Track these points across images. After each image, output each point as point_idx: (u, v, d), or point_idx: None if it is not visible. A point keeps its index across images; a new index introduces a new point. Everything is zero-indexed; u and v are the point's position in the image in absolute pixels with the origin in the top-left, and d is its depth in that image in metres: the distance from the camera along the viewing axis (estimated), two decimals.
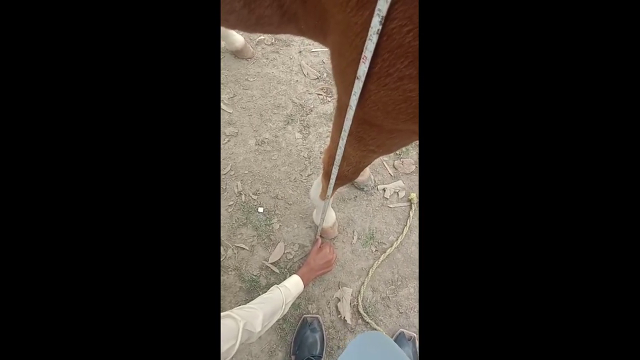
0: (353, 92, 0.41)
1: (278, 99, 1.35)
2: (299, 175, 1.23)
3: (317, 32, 0.44)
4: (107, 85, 0.23)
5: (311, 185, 1.17)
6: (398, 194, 1.22)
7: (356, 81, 0.39)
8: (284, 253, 1.11)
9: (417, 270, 1.12)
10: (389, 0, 0.29)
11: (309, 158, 1.26)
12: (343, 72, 0.41)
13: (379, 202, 1.21)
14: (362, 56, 0.35)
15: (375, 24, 0.31)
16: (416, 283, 1.10)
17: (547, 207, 0.20)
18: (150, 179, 0.23)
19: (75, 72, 0.22)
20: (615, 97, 0.19)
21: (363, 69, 0.37)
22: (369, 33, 0.32)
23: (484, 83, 0.21)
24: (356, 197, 1.22)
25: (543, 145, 0.20)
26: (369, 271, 1.10)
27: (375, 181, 1.24)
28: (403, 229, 1.17)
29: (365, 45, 0.34)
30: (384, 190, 1.23)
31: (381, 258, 1.12)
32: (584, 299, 0.19)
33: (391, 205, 1.20)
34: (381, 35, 0.32)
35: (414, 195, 1.20)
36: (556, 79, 0.20)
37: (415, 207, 1.20)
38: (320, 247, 1.05)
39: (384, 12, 0.30)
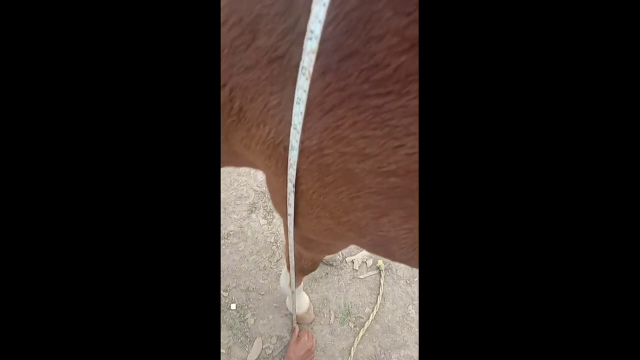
0: (288, 222, 0.50)
1: (240, 190, 1.43)
2: (268, 263, 1.27)
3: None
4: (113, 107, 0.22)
5: (281, 271, 1.21)
6: (366, 264, 1.29)
7: (288, 216, 0.48)
8: (262, 349, 1.10)
9: (398, 339, 1.14)
10: (294, 174, 0.39)
11: (276, 242, 1.31)
12: (278, 205, 0.50)
13: (349, 274, 1.26)
14: (287, 202, 0.45)
15: (290, 187, 0.41)
16: (399, 352, 1.12)
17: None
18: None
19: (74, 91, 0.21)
20: (615, 98, 0.18)
21: (290, 210, 0.46)
22: (287, 190, 0.42)
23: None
24: (327, 274, 1.26)
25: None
26: (350, 350, 1.11)
27: (342, 254, 1.30)
28: (377, 298, 1.21)
29: (288, 196, 0.43)
30: (352, 262, 1.29)
31: (360, 334, 1.13)
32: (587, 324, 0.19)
33: (361, 276, 1.26)
34: (296, 192, 0.42)
35: (381, 262, 1.27)
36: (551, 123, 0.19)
37: (384, 273, 1.26)
38: (298, 336, 1.06)
39: (293, 180, 0.40)
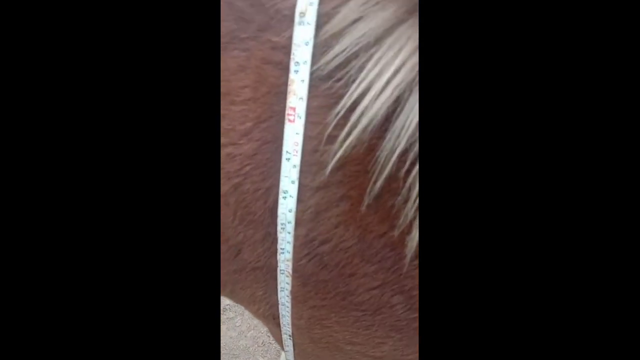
0: (287, 355, 0.52)
1: None
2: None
3: None
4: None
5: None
6: None
7: (286, 352, 0.51)
8: None
9: None
10: (289, 331, 0.42)
11: None
12: (276, 340, 0.53)
13: None
14: (284, 344, 0.47)
15: (285, 337, 0.44)
16: None
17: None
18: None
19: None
20: (616, 97, 0.18)
21: (287, 349, 0.49)
22: (283, 338, 0.45)
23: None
24: None
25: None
26: None
27: None
28: None
29: (284, 342, 0.46)
30: None
31: None
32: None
33: None
34: (292, 339, 0.45)
35: None
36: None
37: None
38: None
39: (289, 333, 0.43)
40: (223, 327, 1.27)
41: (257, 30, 0.29)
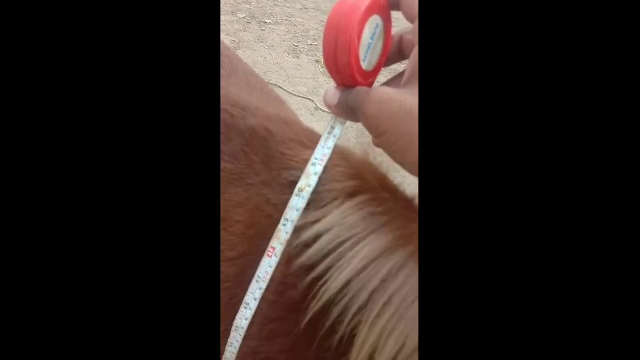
0: None
1: None
2: None
3: None
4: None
5: None
6: None
7: None
8: None
9: None
10: None
11: None
12: None
13: None
14: None
15: None
16: None
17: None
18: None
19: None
20: (616, 97, 0.19)
21: None
22: None
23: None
24: None
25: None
26: None
27: None
28: None
29: None
30: None
31: None
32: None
33: None
34: None
35: None
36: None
37: None
38: None
39: None
40: None
41: (261, 183, 0.37)
